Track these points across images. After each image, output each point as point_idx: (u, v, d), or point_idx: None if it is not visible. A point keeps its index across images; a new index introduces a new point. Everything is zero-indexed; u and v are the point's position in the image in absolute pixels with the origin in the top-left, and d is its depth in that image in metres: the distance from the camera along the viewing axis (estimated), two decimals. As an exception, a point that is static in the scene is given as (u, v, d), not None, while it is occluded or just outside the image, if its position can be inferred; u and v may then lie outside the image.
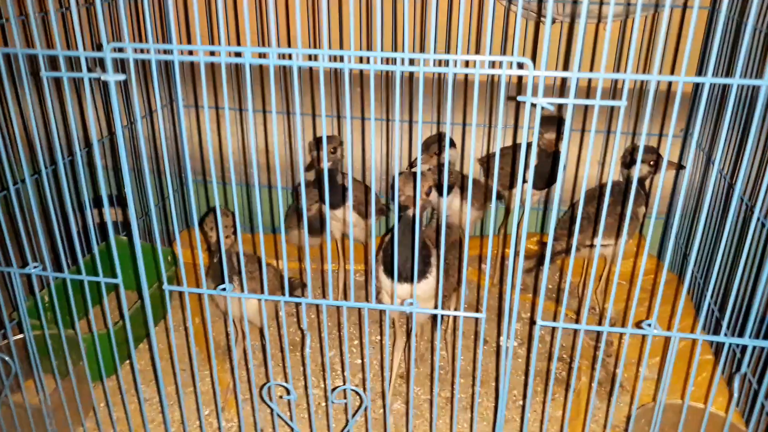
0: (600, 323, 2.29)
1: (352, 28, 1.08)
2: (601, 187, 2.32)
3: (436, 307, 1.39)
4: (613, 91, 2.44)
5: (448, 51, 2.44)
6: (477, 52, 2.42)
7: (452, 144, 2.26)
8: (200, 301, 2.41)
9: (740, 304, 1.86)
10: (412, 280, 1.61)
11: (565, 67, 2.38)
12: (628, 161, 2.18)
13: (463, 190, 2.35)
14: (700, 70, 2.34)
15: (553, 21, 2.36)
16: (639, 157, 1.28)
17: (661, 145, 2.50)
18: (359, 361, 2.18)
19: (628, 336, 1.28)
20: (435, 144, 2.21)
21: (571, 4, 2.28)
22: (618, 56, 2.38)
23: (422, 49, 2.41)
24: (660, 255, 2.70)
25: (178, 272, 2.40)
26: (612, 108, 2.45)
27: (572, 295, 2.51)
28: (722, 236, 1.21)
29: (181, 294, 2.40)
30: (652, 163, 2.10)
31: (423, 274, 1.68)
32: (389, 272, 1.69)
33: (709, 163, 2.27)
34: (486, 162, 2.56)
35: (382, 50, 1.11)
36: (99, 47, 1.20)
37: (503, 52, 2.44)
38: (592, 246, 2.15)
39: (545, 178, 2.30)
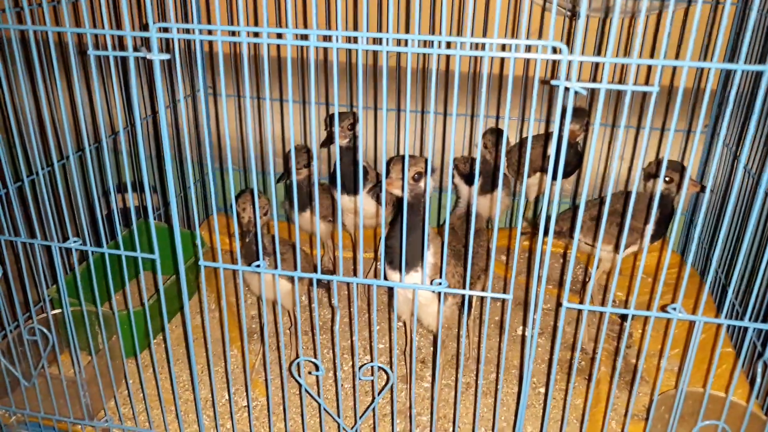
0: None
1: (391, 12, 1.12)
2: (627, 194, 2.32)
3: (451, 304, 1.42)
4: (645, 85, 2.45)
5: (484, 34, 2.47)
6: (514, 35, 2.46)
7: (356, 119, 2.21)
8: (234, 280, 2.47)
9: (762, 297, 1.88)
10: (403, 271, 1.58)
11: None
12: (647, 174, 2.11)
13: (494, 180, 2.38)
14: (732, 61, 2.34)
15: (575, 15, 2.38)
16: (662, 170, 1.31)
17: (688, 143, 2.51)
18: (382, 345, 2.22)
19: (653, 320, 1.31)
20: (348, 118, 2.17)
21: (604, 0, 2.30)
22: (651, 50, 2.39)
23: (459, 35, 2.44)
24: (684, 252, 2.70)
25: (214, 251, 2.46)
26: (642, 103, 2.46)
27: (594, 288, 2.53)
28: (746, 231, 1.23)
29: (215, 273, 2.45)
30: (668, 179, 2.00)
31: (412, 266, 1.60)
32: (388, 262, 1.67)
33: (735, 160, 2.28)
34: (517, 152, 2.57)
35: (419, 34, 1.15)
36: (144, 28, 1.25)
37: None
38: (593, 246, 2.17)
39: (565, 169, 2.31)
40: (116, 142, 2.33)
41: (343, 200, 2.26)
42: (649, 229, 1.48)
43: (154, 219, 2.57)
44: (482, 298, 2.25)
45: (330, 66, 2.58)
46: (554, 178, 1.53)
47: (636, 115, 2.52)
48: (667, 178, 1.98)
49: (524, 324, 2.34)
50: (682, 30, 2.35)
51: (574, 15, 2.36)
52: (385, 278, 1.70)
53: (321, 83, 2.65)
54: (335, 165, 2.14)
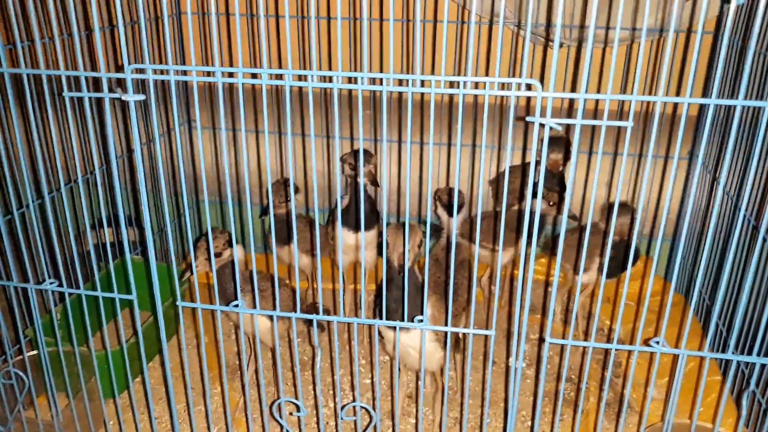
0: (608, 342, 2.28)
1: (366, 50, 1.12)
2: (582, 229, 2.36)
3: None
4: (620, 114, 2.47)
5: (458, 74, 2.48)
6: (486, 75, 2.47)
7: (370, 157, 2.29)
8: (213, 317, 2.43)
9: (748, 322, 1.87)
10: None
11: (573, 91, 2.42)
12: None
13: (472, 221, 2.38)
14: (705, 93, 2.37)
15: (560, 45, 2.40)
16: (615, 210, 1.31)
17: (666, 167, 2.53)
18: (367, 381, 2.18)
19: (636, 354, 1.30)
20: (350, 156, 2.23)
21: (578, 29, 2.33)
22: (624, 80, 2.42)
23: (433, 72, 2.45)
24: (666, 276, 2.70)
25: (192, 289, 2.43)
26: (618, 130, 2.47)
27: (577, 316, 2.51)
28: (728, 256, 1.23)
29: (194, 311, 2.42)
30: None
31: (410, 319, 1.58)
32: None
33: (714, 183, 2.29)
34: (495, 182, 2.58)
35: (393, 72, 1.15)
36: (119, 69, 1.24)
37: (512, 75, 2.47)
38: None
39: None
40: (89, 182, 2.31)
41: (345, 236, 2.25)
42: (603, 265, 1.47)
43: (135, 255, 2.55)
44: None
45: (306, 98, 2.58)
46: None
47: (613, 143, 2.53)
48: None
49: (508, 356, 2.31)
50: (656, 60, 2.37)
51: (549, 43, 2.38)
52: (380, 335, 1.69)
53: (296, 115, 2.64)
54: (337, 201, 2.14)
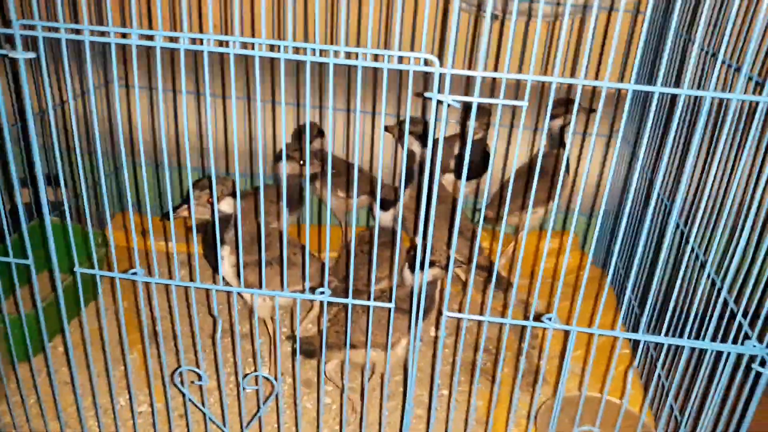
0: (526, 317, 2.33)
1: (264, 18, 1.09)
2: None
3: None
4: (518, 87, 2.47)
5: (358, 44, 2.44)
6: (386, 45, 2.45)
7: (321, 134, 2.42)
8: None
9: (660, 302, 1.91)
10: None
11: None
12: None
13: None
14: (623, 75, 2.39)
15: (495, 17, 2.38)
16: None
17: (584, 141, 2.57)
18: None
19: (529, 329, 1.33)
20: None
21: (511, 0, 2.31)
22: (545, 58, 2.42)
23: (332, 41, 2.42)
24: (583, 247, 2.76)
25: (109, 255, 2.36)
26: (540, 104, 2.48)
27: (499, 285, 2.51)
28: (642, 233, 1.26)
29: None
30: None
31: None
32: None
33: (633, 158, 2.33)
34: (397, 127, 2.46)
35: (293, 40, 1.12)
36: (7, 24, 1.18)
37: (412, 47, 2.44)
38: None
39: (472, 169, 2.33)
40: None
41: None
42: None
43: (54, 216, 2.46)
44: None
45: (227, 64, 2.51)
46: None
47: (534, 117, 2.54)
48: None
49: (436, 326, 2.32)
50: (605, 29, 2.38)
51: (500, 18, 2.36)
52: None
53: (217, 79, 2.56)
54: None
